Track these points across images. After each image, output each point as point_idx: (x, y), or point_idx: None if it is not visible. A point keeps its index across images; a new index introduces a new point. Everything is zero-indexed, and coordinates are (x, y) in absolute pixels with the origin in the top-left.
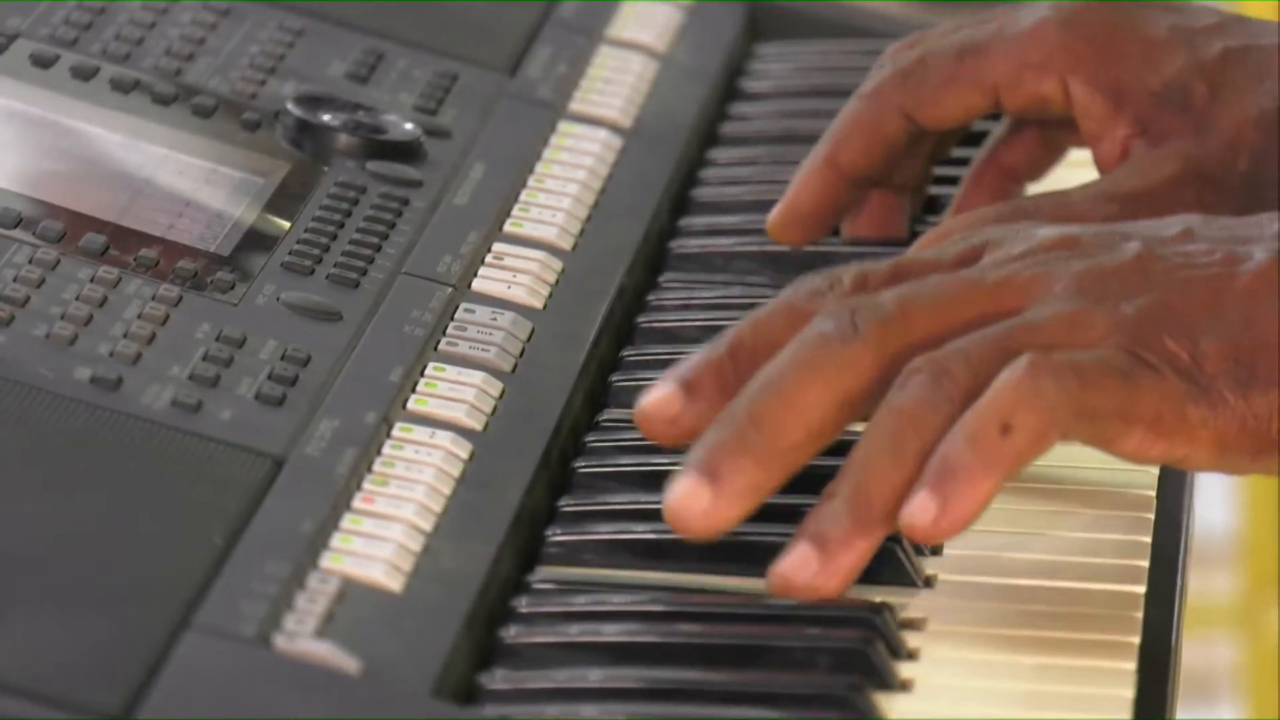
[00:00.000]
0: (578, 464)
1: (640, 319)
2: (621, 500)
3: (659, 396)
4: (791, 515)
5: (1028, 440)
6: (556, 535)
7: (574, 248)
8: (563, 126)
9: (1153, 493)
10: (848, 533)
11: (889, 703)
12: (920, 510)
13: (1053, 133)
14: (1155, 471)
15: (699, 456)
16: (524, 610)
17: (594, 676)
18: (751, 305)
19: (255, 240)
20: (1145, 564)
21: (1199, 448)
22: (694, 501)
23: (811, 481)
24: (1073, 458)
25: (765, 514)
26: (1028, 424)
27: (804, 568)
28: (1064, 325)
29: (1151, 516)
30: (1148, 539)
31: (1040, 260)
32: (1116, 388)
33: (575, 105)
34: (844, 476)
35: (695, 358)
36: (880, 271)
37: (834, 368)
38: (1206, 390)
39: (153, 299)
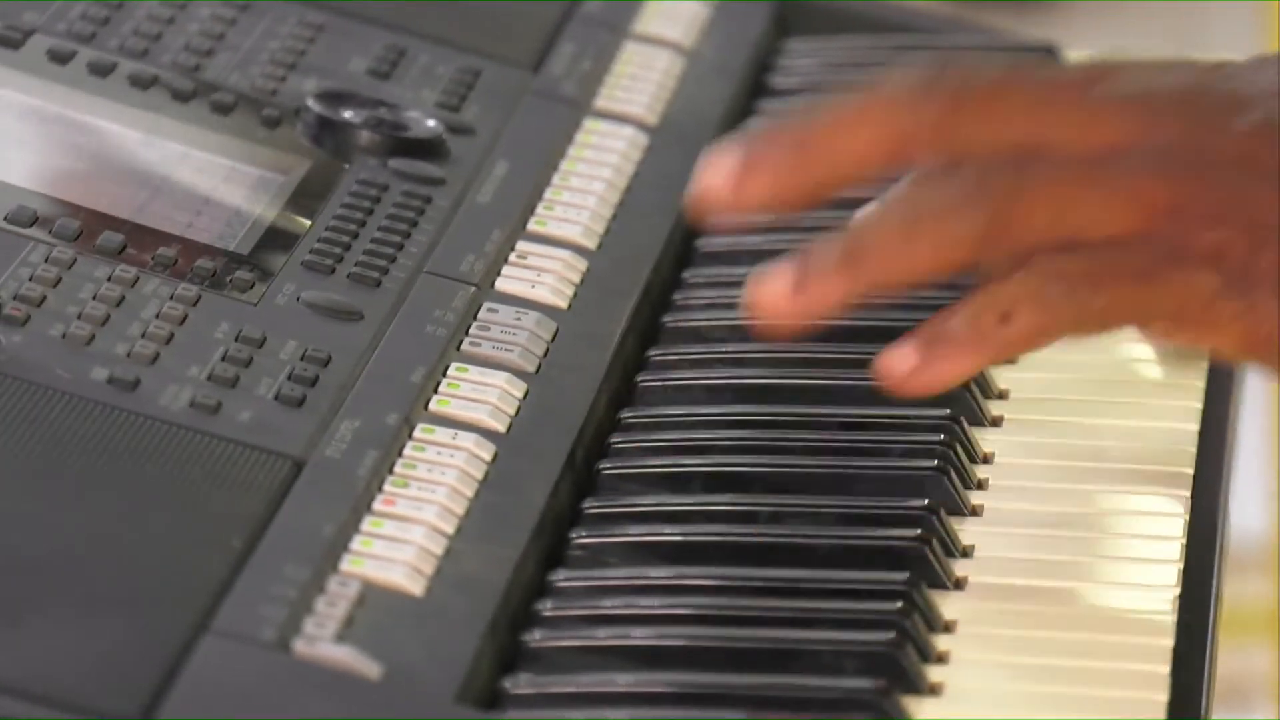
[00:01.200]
0: (603, 465)
1: (667, 318)
2: (647, 502)
3: (718, 167)
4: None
5: (1022, 334)
6: (581, 538)
7: (599, 246)
8: (587, 123)
9: (1187, 493)
10: (828, 271)
11: (918, 706)
12: (900, 359)
13: None
14: (1190, 472)
15: (748, 140)
16: (548, 614)
17: (619, 681)
18: None
19: (275, 239)
20: (1179, 566)
21: (1227, 341)
22: (719, 175)
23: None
24: (1104, 455)
25: (782, 515)
26: (1027, 321)
27: (777, 287)
28: (1129, 192)
29: (1186, 517)
30: (1182, 540)
31: (1156, 107)
32: (1131, 292)
33: (600, 102)
34: (854, 222)
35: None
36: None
37: (898, 109)
38: (1246, 291)
39: (171, 298)
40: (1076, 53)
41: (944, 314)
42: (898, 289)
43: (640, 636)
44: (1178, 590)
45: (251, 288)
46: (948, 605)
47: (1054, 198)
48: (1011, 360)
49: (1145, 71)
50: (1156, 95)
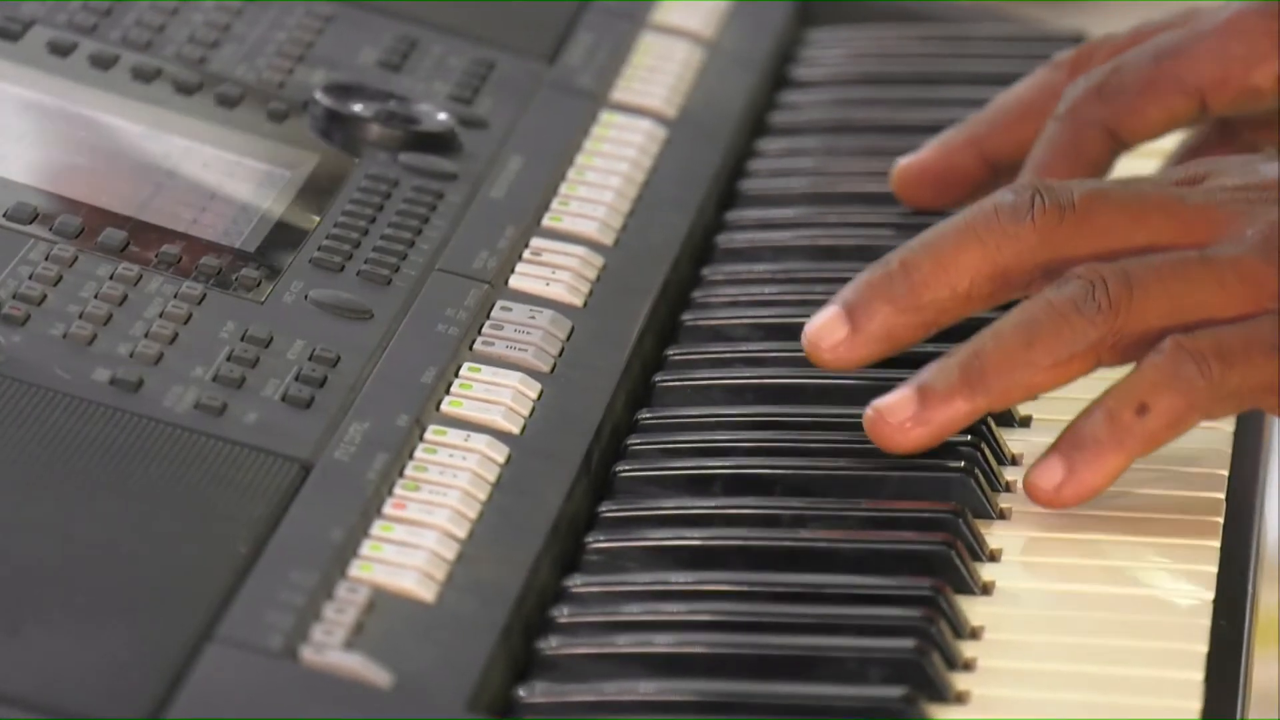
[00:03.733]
0: (619, 468)
1: (685, 317)
2: (666, 506)
3: (823, 320)
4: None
5: (1163, 423)
6: (597, 542)
7: (616, 243)
8: (604, 116)
9: (1221, 495)
10: (952, 389)
11: (944, 715)
12: (1046, 473)
13: (1247, 135)
14: (1225, 473)
15: (845, 292)
16: (563, 620)
17: (637, 689)
18: (803, 303)
19: (282, 236)
20: (1214, 570)
21: None
22: (829, 333)
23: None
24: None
25: (805, 519)
26: (1165, 407)
27: (900, 410)
28: (1237, 275)
29: (1220, 521)
30: (1216, 544)
31: (1250, 198)
32: (1264, 365)
33: (617, 94)
34: (969, 342)
35: (861, 279)
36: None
37: (997, 238)
38: None
39: (175, 297)
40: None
41: (1077, 420)
42: (1016, 404)
43: (659, 643)
44: (1212, 596)
45: (258, 286)
46: (974, 611)
47: (1167, 292)
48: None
49: (1232, 169)
50: (1249, 188)
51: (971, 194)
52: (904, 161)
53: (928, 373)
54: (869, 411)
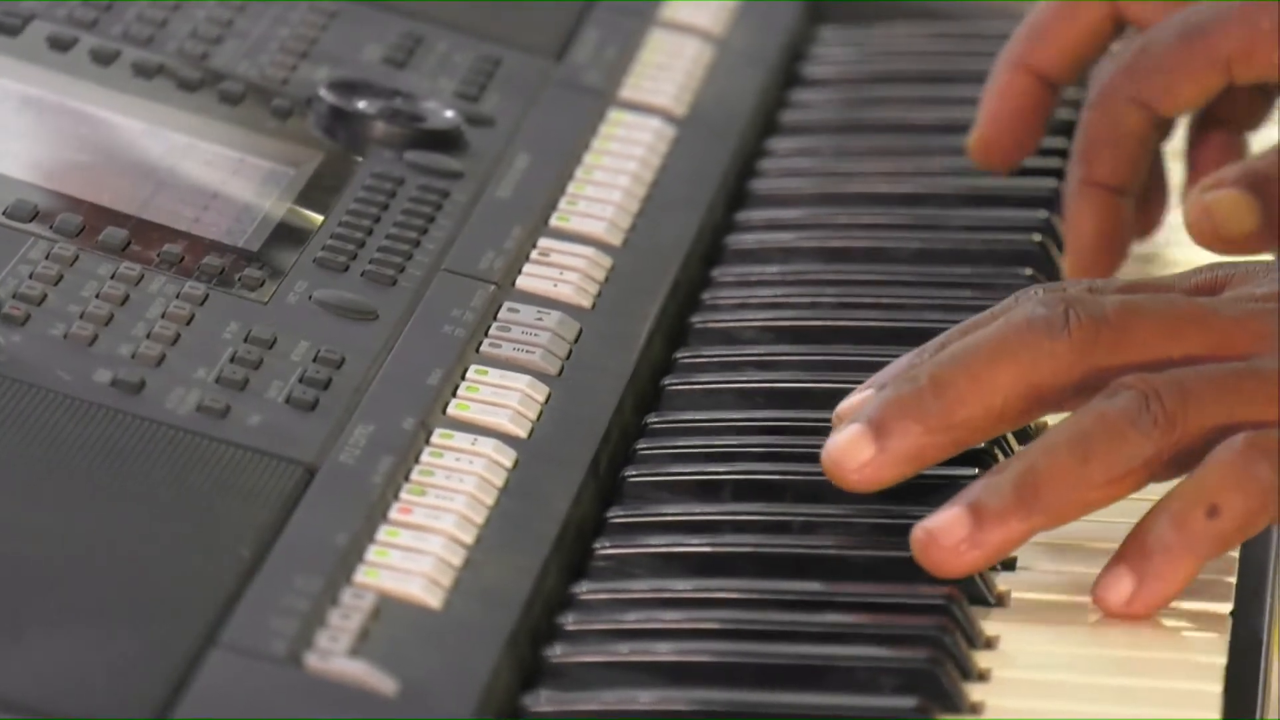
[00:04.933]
0: (628, 472)
1: (695, 319)
2: (674, 511)
3: (848, 439)
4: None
5: (1235, 525)
6: (605, 548)
7: (624, 243)
8: (612, 114)
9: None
10: (1006, 509)
11: None
12: (1115, 585)
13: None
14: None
15: (871, 409)
16: (570, 627)
17: (644, 698)
18: (814, 305)
19: (286, 235)
20: (1232, 580)
21: None
22: (855, 453)
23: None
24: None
25: (815, 525)
26: (1237, 507)
27: (953, 532)
28: None
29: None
30: (1235, 554)
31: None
32: None
33: (626, 92)
34: (1021, 456)
35: (888, 396)
36: (1112, 283)
37: (1031, 356)
38: None
39: (177, 297)
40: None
41: (1143, 526)
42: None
43: (667, 652)
44: (1231, 607)
45: (261, 286)
46: (989, 620)
47: (1222, 403)
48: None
49: (1252, 276)
50: (1277, 297)
51: (1045, 117)
52: (972, 139)
53: (979, 491)
54: (918, 533)
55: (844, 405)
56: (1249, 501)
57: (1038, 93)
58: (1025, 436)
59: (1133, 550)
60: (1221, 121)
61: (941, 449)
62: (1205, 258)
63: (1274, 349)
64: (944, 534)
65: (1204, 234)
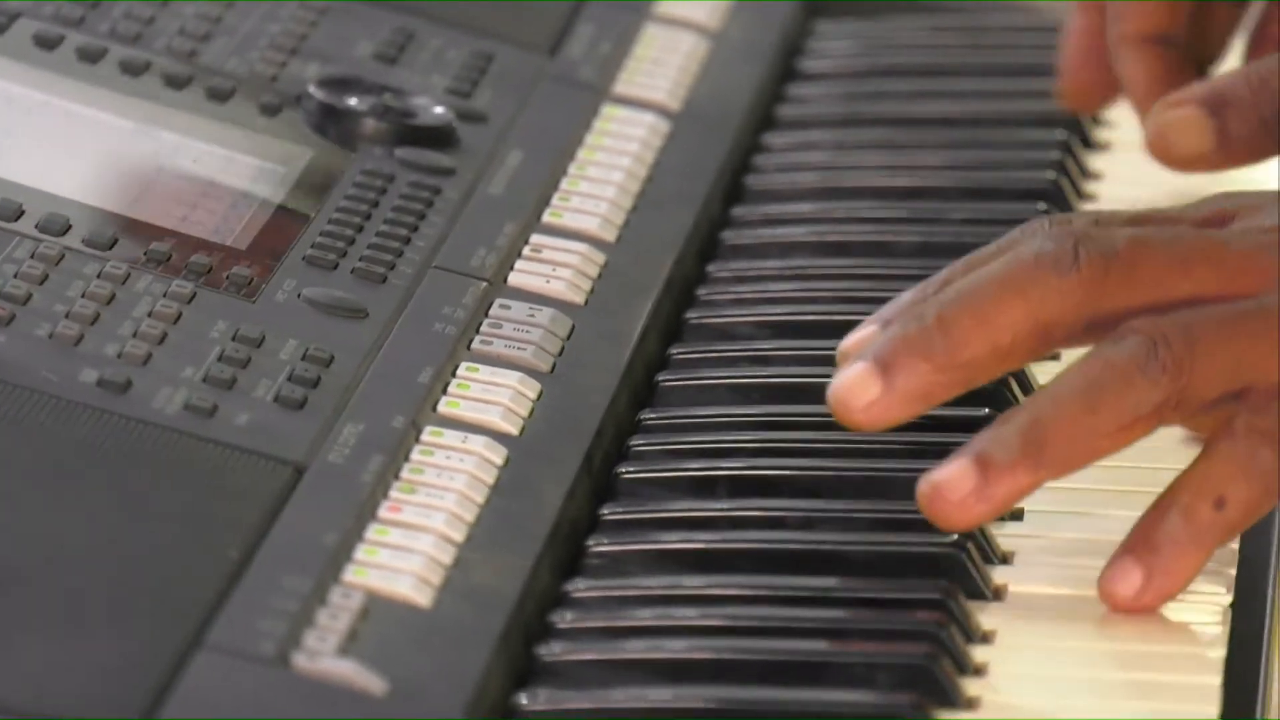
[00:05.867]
0: (621, 469)
1: (689, 315)
2: (669, 508)
3: (854, 378)
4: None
5: (1242, 513)
6: (599, 546)
7: (618, 239)
8: (606, 110)
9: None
10: (1013, 461)
11: None
12: (1123, 579)
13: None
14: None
15: (877, 347)
16: (563, 626)
17: (639, 696)
18: (811, 300)
19: (275, 233)
20: (1232, 572)
21: None
22: (861, 391)
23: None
24: (1158, 457)
25: (813, 521)
26: (1243, 496)
27: (960, 485)
28: None
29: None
30: (1235, 546)
31: None
32: None
33: (620, 87)
34: (1027, 407)
35: (894, 334)
36: (1119, 215)
37: (1039, 293)
38: None
39: (164, 296)
40: None
41: (1150, 518)
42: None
43: (662, 649)
44: (1230, 599)
45: (250, 284)
46: (986, 615)
47: (1230, 347)
48: (1055, 358)
49: (1261, 209)
50: None
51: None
52: (1062, 83)
53: (985, 442)
54: (924, 486)
55: (847, 341)
56: (1254, 489)
57: (1158, 57)
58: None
59: (1140, 543)
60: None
61: (949, 387)
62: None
63: (1276, 286)
64: (950, 487)
65: (1159, 152)
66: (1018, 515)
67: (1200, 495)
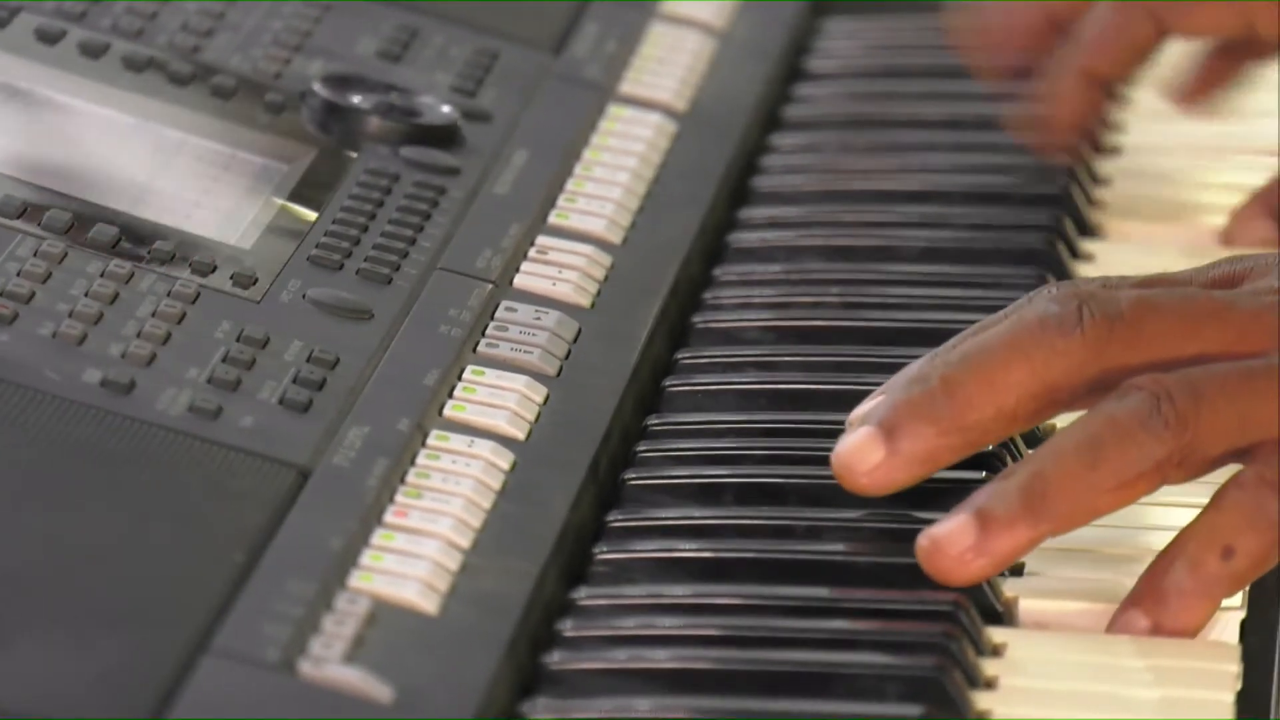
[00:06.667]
0: (628, 475)
1: (696, 318)
2: (675, 515)
3: (858, 442)
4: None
5: (1249, 564)
6: (604, 553)
7: (624, 241)
8: (612, 109)
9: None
10: (1013, 516)
11: None
12: (1131, 629)
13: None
14: None
15: (882, 411)
16: (569, 634)
17: (644, 706)
18: (818, 304)
19: (279, 232)
20: (1244, 587)
21: None
22: (865, 455)
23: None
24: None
25: (819, 530)
26: (1251, 547)
27: (959, 540)
28: None
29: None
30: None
31: None
32: None
33: (625, 86)
34: (1028, 462)
35: (899, 398)
36: (1127, 279)
37: (1044, 355)
38: None
39: (168, 295)
40: None
41: (1157, 569)
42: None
43: (668, 659)
44: (1243, 614)
45: (254, 284)
46: (996, 628)
47: (1235, 404)
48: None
49: (1271, 270)
50: None
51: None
52: (1034, 138)
53: (985, 497)
54: (924, 541)
55: (856, 412)
56: (1262, 540)
57: (1095, 97)
58: (1034, 440)
59: (1148, 594)
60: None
61: (954, 450)
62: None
63: None
64: (950, 542)
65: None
66: (1018, 570)
67: (1208, 546)
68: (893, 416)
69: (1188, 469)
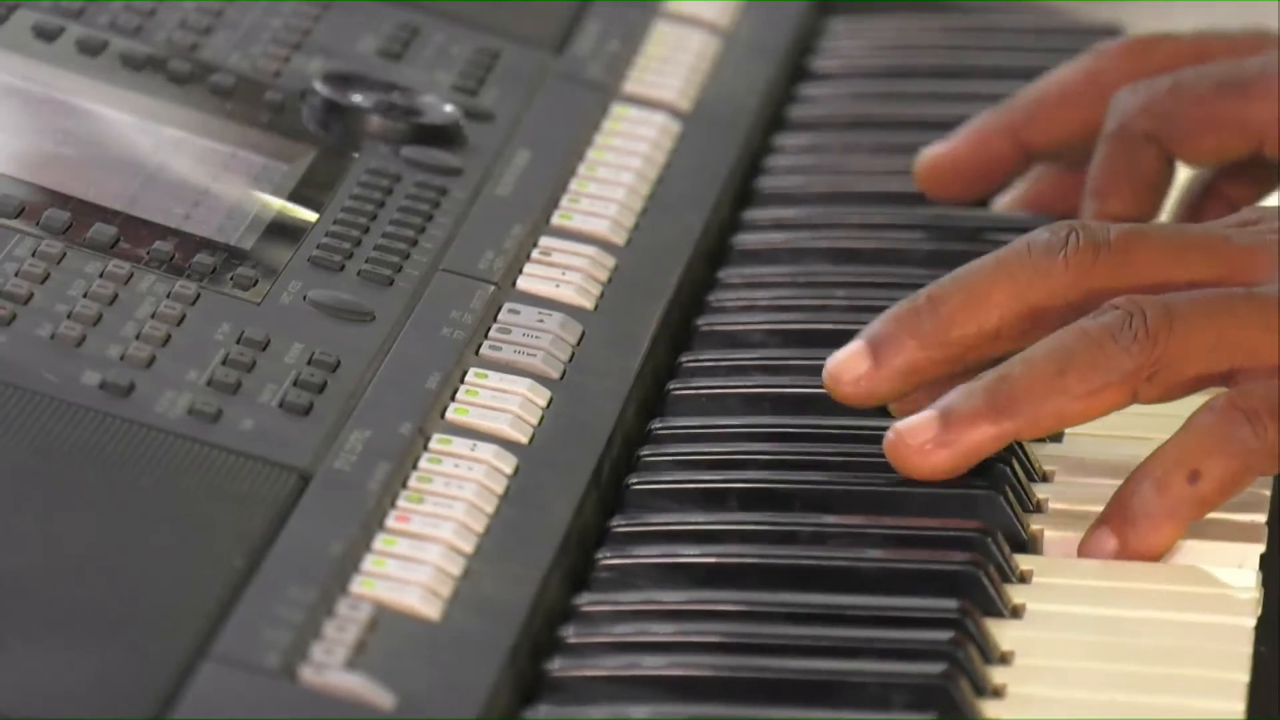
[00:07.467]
0: (631, 480)
1: (700, 321)
2: (679, 520)
3: (846, 354)
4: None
5: (1216, 488)
6: (608, 558)
7: (628, 243)
8: (615, 109)
9: (1263, 519)
10: (976, 412)
11: None
12: (1098, 547)
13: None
14: (1267, 493)
15: (872, 326)
16: (572, 640)
17: (646, 713)
18: (823, 307)
19: (279, 232)
20: (1256, 595)
21: None
22: (852, 366)
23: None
24: None
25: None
26: (1217, 471)
27: (921, 432)
28: None
29: (1262, 547)
30: (1257, 570)
31: None
32: None
33: (629, 86)
34: (998, 367)
35: (889, 314)
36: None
37: (1028, 276)
38: None
39: (167, 296)
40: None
41: (1125, 489)
42: (1047, 433)
43: (671, 666)
44: (1254, 622)
45: (254, 285)
46: (1004, 634)
47: (1211, 327)
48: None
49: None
50: None
51: (1004, 183)
52: (932, 151)
53: (952, 395)
54: (889, 434)
55: (832, 361)
56: (1230, 465)
57: (1013, 160)
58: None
59: (1115, 513)
60: (1222, 195)
61: (936, 364)
62: None
63: (1276, 277)
64: (912, 434)
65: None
66: (1035, 536)
67: (1175, 469)
68: (879, 330)
69: (1159, 386)
